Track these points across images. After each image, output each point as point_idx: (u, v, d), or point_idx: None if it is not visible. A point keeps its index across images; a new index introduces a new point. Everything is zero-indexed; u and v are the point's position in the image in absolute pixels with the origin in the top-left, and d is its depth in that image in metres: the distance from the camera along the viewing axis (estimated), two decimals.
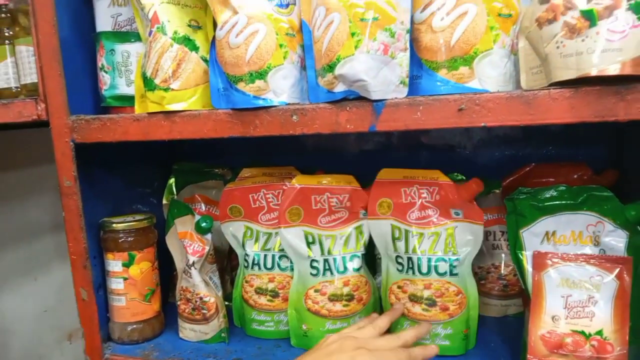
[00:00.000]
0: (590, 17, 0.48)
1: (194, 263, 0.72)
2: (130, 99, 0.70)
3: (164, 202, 0.91)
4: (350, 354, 0.53)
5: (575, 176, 0.72)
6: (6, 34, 0.75)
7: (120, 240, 0.73)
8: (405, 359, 0.55)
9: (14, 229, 1.21)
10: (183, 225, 0.74)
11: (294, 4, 0.60)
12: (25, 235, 1.21)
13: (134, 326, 0.76)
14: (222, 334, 0.75)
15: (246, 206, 0.76)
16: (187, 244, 0.72)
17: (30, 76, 0.72)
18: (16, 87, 0.76)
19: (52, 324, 1.27)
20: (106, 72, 0.71)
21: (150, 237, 0.76)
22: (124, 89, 0.70)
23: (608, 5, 0.47)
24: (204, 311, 0.74)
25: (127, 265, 0.74)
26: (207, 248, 0.73)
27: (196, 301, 0.74)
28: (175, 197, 0.90)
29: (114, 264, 0.74)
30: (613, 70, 0.46)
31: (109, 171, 0.78)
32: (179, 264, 0.76)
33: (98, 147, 0.68)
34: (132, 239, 0.74)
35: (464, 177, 0.79)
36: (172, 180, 0.91)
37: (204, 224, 0.73)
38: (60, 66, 0.66)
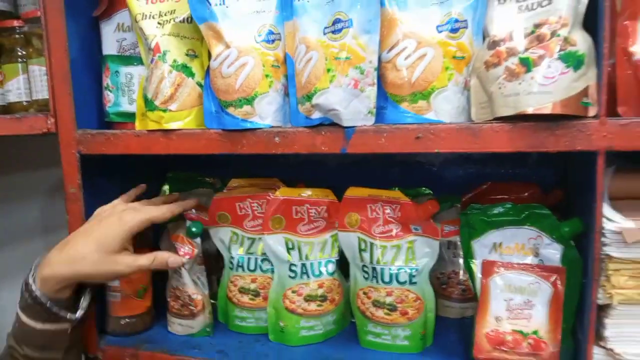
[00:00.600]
0: (526, 64, 0.57)
1: (184, 264, 0.80)
2: (131, 116, 0.78)
3: None
4: (119, 214, 0.70)
5: (526, 194, 0.81)
6: (19, 54, 0.83)
7: None
8: (166, 211, 0.73)
9: (13, 228, 1.28)
10: (175, 229, 0.83)
11: (279, 39, 0.69)
12: (21, 235, 1.28)
13: (127, 320, 0.84)
14: (207, 329, 0.83)
15: (233, 213, 0.84)
16: (179, 247, 0.80)
17: (42, 93, 0.80)
18: (27, 102, 0.84)
19: None
20: (110, 91, 0.79)
21: (145, 239, 0.84)
22: (126, 107, 0.79)
23: (541, 54, 0.56)
24: (192, 307, 0.82)
25: None
26: (196, 250, 0.80)
27: (185, 298, 0.81)
28: None
29: None
30: (545, 109, 0.55)
31: (108, 179, 0.85)
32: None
33: (100, 158, 0.76)
34: None
35: (431, 191, 0.88)
36: (166, 187, 0.99)
37: (194, 229, 0.80)
38: (70, 85, 0.74)
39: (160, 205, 0.75)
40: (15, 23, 0.83)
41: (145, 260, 0.70)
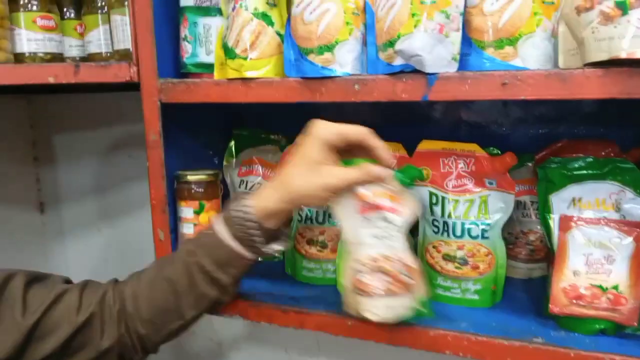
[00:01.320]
0: (622, 7, 0.55)
1: (401, 225, 0.65)
2: (208, 67, 0.80)
3: (225, 163, 1.01)
4: (309, 131, 0.65)
5: (604, 153, 0.78)
6: (100, 4, 0.86)
7: (192, 191, 0.84)
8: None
9: (82, 184, 1.35)
10: (373, 185, 0.66)
11: None
12: (92, 190, 1.35)
13: None
14: (423, 307, 0.66)
15: None
16: (384, 203, 0.65)
17: (123, 43, 0.83)
18: (107, 52, 0.87)
19: (113, 273, 1.40)
20: (188, 41, 0.81)
21: (217, 190, 0.87)
22: (203, 57, 0.81)
23: None
24: (408, 280, 0.65)
25: (197, 212, 0.84)
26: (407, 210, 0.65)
27: (398, 268, 0.65)
28: (235, 159, 1.00)
29: (187, 211, 0.84)
30: None
31: (182, 131, 0.88)
32: (350, 237, 0.68)
33: (177, 107, 0.78)
34: (202, 190, 0.84)
35: (500, 152, 0.87)
36: (232, 144, 1.01)
37: (414, 174, 0.67)
38: (153, 35, 0.77)
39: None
40: None
41: (356, 172, 0.63)
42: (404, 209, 0.65)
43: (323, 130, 0.64)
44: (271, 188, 0.66)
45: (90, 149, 1.32)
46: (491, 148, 0.87)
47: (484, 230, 0.75)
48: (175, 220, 0.86)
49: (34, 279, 0.68)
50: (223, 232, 0.67)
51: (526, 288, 0.83)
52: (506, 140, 0.92)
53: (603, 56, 0.56)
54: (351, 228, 0.67)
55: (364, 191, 0.65)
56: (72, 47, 0.88)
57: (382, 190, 0.65)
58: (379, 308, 0.66)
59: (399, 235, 0.65)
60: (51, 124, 1.33)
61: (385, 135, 0.86)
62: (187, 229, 0.85)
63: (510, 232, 0.86)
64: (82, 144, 1.32)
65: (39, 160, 1.35)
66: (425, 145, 0.78)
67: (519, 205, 0.86)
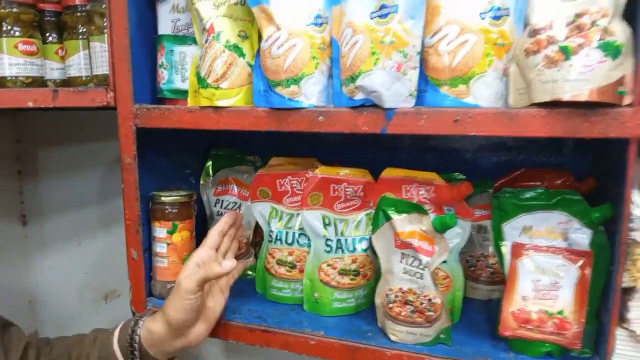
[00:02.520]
0: (565, 52, 0.59)
1: (428, 264, 0.71)
2: (183, 93, 0.83)
3: (202, 182, 1.04)
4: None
5: (559, 182, 0.83)
6: (81, 31, 0.89)
7: (166, 211, 0.87)
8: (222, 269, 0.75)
9: (64, 197, 1.37)
10: (409, 224, 0.73)
11: (327, 23, 0.73)
12: (74, 204, 1.37)
13: (173, 284, 0.89)
14: (442, 335, 0.74)
15: (273, 189, 0.89)
16: (418, 245, 0.71)
17: (102, 68, 0.86)
18: (86, 76, 0.90)
19: (91, 285, 1.42)
20: (165, 68, 0.84)
21: (191, 210, 0.90)
22: (179, 84, 0.84)
23: (581, 43, 0.58)
24: (430, 313, 0.72)
25: (170, 232, 0.87)
26: (437, 248, 0.71)
27: (422, 303, 0.72)
28: (212, 178, 1.03)
29: (160, 230, 0.87)
30: (581, 96, 0.58)
31: (158, 153, 0.91)
32: (385, 263, 0.77)
33: (153, 132, 0.81)
34: (176, 210, 0.87)
35: (465, 177, 0.91)
36: (209, 163, 1.04)
37: (448, 221, 0.72)
38: (129, 62, 0.80)
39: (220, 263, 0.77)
40: (78, 1, 0.89)
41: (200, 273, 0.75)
42: (432, 250, 0.72)
43: (185, 284, 0.74)
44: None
45: (72, 164, 1.34)
46: (456, 173, 0.91)
47: None
48: (149, 239, 0.89)
49: None
50: (116, 337, 0.79)
51: (485, 309, 0.87)
52: (470, 166, 0.96)
53: (547, 97, 0.60)
54: (386, 258, 0.77)
55: (400, 228, 0.73)
56: (53, 70, 0.91)
57: (417, 230, 0.72)
58: (402, 333, 0.75)
59: (426, 272, 0.72)
60: (36, 138, 1.35)
61: (352, 160, 0.91)
62: (160, 248, 0.88)
63: (472, 255, 0.90)
64: (65, 158, 1.35)
65: (22, 174, 1.37)
66: (388, 173, 0.82)
67: (480, 229, 0.89)
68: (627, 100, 0.58)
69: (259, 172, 0.90)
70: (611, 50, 0.57)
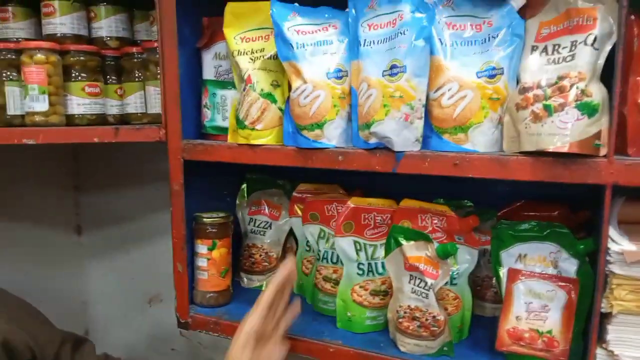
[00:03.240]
0: (548, 110, 0.69)
1: (432, 285, 0.82)
2: (223, 130, 0.96)
3: (237, 202, 1.17)
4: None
5: (556, 213, 0.92)
6: (137, 74, 1.04)
7: (207, 230, 1.00)
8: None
9: (115, 211, 1.53)
10: (416, 250, 0.84)
11: (346, 75, 0.84)
12: (123, 217, 1.53)
13: (212, 294, 1.03)
14: (445, 348, 0.84)
15: (322, 214, 0.99)
16: (424, 268, 0.83)
17: (155, 108, 1.00)
18: (142, 113, 1.05)
19: (137, 290, 1.58)
20: (208, 108, 0.98)
21: (228, 230, 1.03)
22: (220, 122, 0.97)
23: (562, 103, 0.68)
24: (434, 329, 0.83)
25: (210, 249, 1.00)
26: (441, 272, 0.82)
27: (427, 319, 0.83)
28: (246, 199, 1.16)
29: (202, 247, 1.00)
30: (562, 148, 0.67)
31: (201, 179, 1.04)
32: (396, 283, 0.87)
33: (197, 162, 0.94)
34: (215, 230, 1.00)
35: (472, 204, 1.01)
36: (244, 186, 1.17)
37: (449, 249, 0.82)
38: (179, 104, 0.93)
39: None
40: (135, 50, 1.04)
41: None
42: (436, 273, 0.82)
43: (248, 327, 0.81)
44: None
45: (123, 181, 1.50)
46: (465, 200, 1.01)
47: (452, 278, 0.89)
48: (192, 255, 1.03)
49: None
50: None
51: (491, 325, 0.96)
52: (479, 193, 1.05)
53: (533, 148, 0.70)
54: (397, 278, 0.87)
55: (409, 253, 0.83)
56: (112, 107, 1.06)
57: (423, 256, 0.83)
58: (410, 344, 0.85)
59: (431, 292, 0.82)
60: (92, 156, 1.52)
61: (371, 186, 1.01)
62: (202, 262, 1.01)
63: (478, 276, 1.00)
64: (118, 176, 1.51)
65: (79, 188, 1.54)
66: (406, 203, 0.92)
67: (485, 252, 0.99)
68: (602, 151, 0.68)
69: (310, 198, 1.01)
70: (588, 109, 0.66)
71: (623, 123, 0.69)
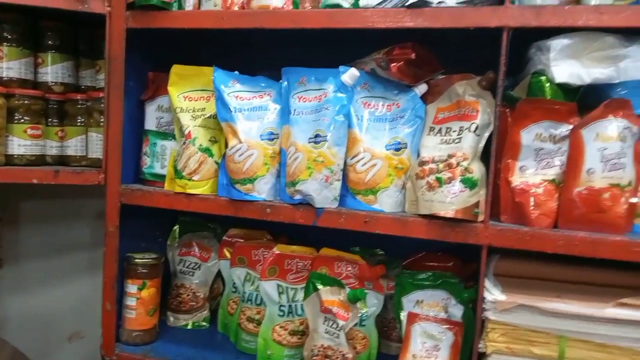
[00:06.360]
0: (439, 182, 0.84)
1: (343, 326, 0.92)
2: (161, 177, 1.04)
3: (169, 243, 1.23)
4: None
5: (451, 264, 1.07)
6: (79, 120, 1.10)
7: (138, 271, 1.06)
8: None
9: (40, 246, 1.53)
10: (330, 294, 0.94)
11: (277, 138, 0.96)
12: (48, 252, 1.53)
13: (138, 333, 1.07)
14: None
15: (249, 258, 1.08)
16: (335, 310, 0.93)
17: (96, 153, 1.07)
18: (81, 156, 1.10)
19: (57, 326, 1.56)
20: (148, 156, 1.05)
21: (159, 270, 1.09)
22: (158, 170, 1.05)
23: (450, 176, 0.83)
24: None
25: (140, 289, 1.06)
26: (351, 315, 0.92)
27: (337, 357, 0.94)
28: (177, 240, 1.23)
29: (132, 287, 1.06)
30: (449, 214, 0.82)
31: (135, 221, 1.10)
32: (312, 324, 0.97)
33: (134, 206, 1.01)
34: (146, 270, 1.06)
35: (384, 252, 1.14)
36: (176, 228, 1.24)
37: (359, 295, 0.93)
38: (120, 152, 1.01)
39: None
40: (80, 97, 1.10)
41: None
42: (347, 316, 0.92)
43: None
44: None
45: (51, 216, 1.51)
46: (378, 249, 1.15)
47: (362, 320, 1.00)
48: (121, 293, 1.07)
49: None
50: None
51: None
52: (390, 244, 1.19)
53: (427, 212, 0.85)
54: (313, 319, 0.96)
55: (324, 296, 0.93)
56: (52, 148, 1.11)
57: (336, 300, 0.94)
58: None
59: (342, 332, 0.93)
60: (20, 191, 1.52)
61: (295, 233, 1.12)
62: (131, 302, 1.06)
63: (385, 318, 1.12)
64: (45, 210, 1.51)
65: (4, 221, 1.53)
66: (324, 252, 1.04)
67: (392, 297, 1.12)
68: (481, 217, 0.83)
69: (239, 243, 1.10)
70: (469, 183, 0.82)
71: (498, 195, 0.86)
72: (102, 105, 1.02)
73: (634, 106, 0.80)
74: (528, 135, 0.83)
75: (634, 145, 0.81)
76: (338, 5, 0.90)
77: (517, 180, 0.84)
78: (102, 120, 1.02)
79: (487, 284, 0.85)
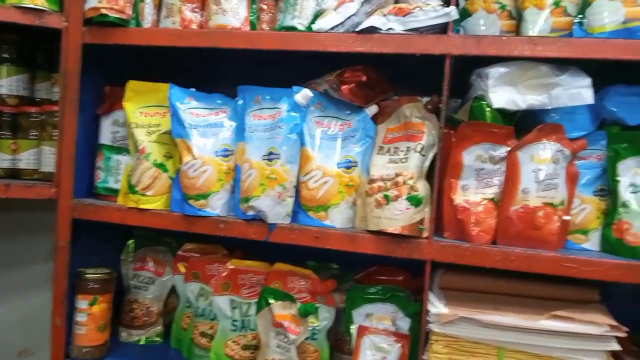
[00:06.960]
0: (387, 199, 0.88)
1: (294, 340, 0.93)
2: (114, 191, 1.04)
3: (122, 257, 1.22)
4: None
5: (401, 278, 1.10)
6: (33, 133, 1.09)
7: (89, 286, 1.05)
8: None
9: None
10: (282, 309, 0.96)
11: (232, 154, 0.98)
12: (3, 266, 1.48)
13: (88, 349, 1.06)
14: None
15: (203, 273, 1.09)
16: (287, 325, 0.94)
17: (48, 167, 1.06)
18: (33, 170, 1.09)
19: (7, 342, 1.51)
20: (102, 170, 1.05)
21: (111, 286, 1.08)
22: (112, 184, 1.05)
23: (396, 194, 0.87)
24: None
25: (91, 304, 1.05)
26: (302, 328, 0.94)
27: None
28: (132, 255, 1.22)
29: (82, 302, 1.05)
30: (395, 230, 0.86)
31: (87, 235, 1.09)
32: (264, 338, 0.98)
33: (86, 220, 1.01)
34: (98, 285, 1.05)
35: (338, 266, 1.17)
36: (131, 242, 1.23)
37: (310, 309, 0.96)
38: (73, 166, 1.00)
39: None
40: (34, 110, 1.09)
41: None
42: (298, 330, 0.94)
43: None
44: None
45: (3, 230, 1.46)
46: (332, 264, 1.17)
47: (313, 333, 1.02)
48: (71, 308, 1.06)
49: None
50: None
51: None
52: (343, 259, 1.22)
53: (375, 228, 0.88)
54: (265, 333, 0.97)
55: (276, 311, 0.94)
56: (4, 161, 1.09)
57: (288, 314, 0.94)
58: None
59: (292, 346, 0.94)
60: None
61: (250, 248, 1.14)
62: (81, 317, 1.05)
63: (338, 331, 1.14)
64: None
65: None
66: (278, 267, 1.05)
67: (345, 310, 1.14)
68: (425, 234, 0.87)
69: (194, 258, 1.10)
70: (415, 201, 0.86)
71: (442, 213, 0.90)
72: (57, 118, 1.02)
73: (567, 130, 0.87)
74: (469, 156, 0.88)
75: (567, 167, 0.87)
76: (293, 28, 0.94)
77: (459, 198, 0.88)
78: (55, 134, 1.02)
79: (432, 297, 0.88)
